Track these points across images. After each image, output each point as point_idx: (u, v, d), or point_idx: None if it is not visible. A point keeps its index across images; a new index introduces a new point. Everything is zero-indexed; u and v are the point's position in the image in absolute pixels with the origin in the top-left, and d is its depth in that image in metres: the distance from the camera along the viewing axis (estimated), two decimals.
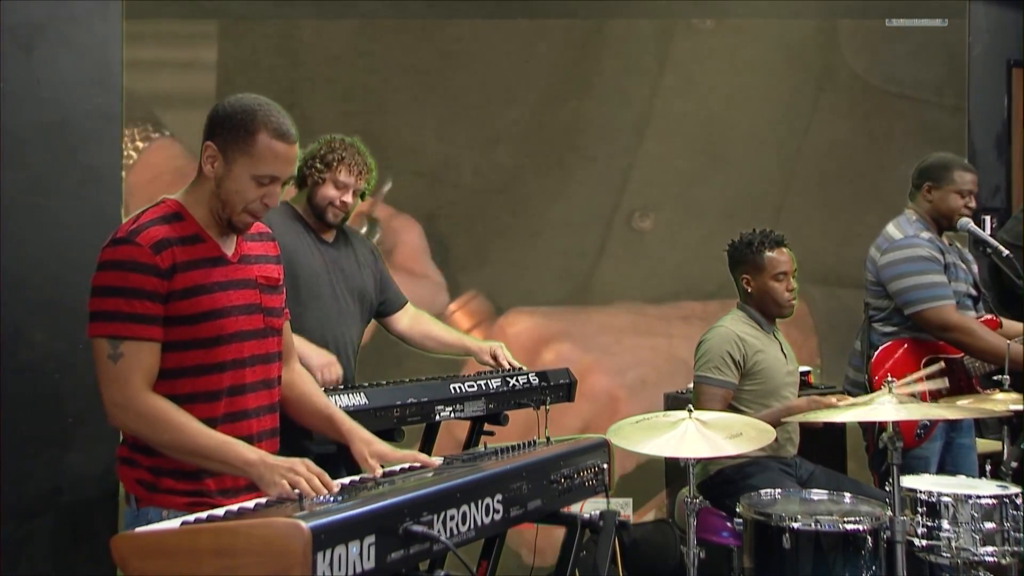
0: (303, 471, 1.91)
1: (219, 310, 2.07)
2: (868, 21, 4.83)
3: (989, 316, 3.66)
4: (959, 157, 3.74)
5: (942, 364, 3.51)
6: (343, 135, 3.15)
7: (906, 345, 3.56)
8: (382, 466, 2.16)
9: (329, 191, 3.04)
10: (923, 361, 3.53)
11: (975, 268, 3.74)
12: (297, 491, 1.86)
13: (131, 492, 2.09)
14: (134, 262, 1.99)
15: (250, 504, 1.80)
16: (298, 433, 2.40)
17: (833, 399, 3.26)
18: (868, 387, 3.47)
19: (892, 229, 3.64)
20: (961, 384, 3.52)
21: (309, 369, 2.72)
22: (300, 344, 2.80)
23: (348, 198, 3.06)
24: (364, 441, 2.22)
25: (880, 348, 3.56)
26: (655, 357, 4.62)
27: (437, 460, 2.21)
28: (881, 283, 3.60)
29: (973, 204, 3.65)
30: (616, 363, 4.61)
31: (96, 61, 3.41)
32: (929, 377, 3.43)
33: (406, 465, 2.18)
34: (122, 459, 2.10)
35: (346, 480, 2.06)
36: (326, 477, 1.92)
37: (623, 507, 4.40)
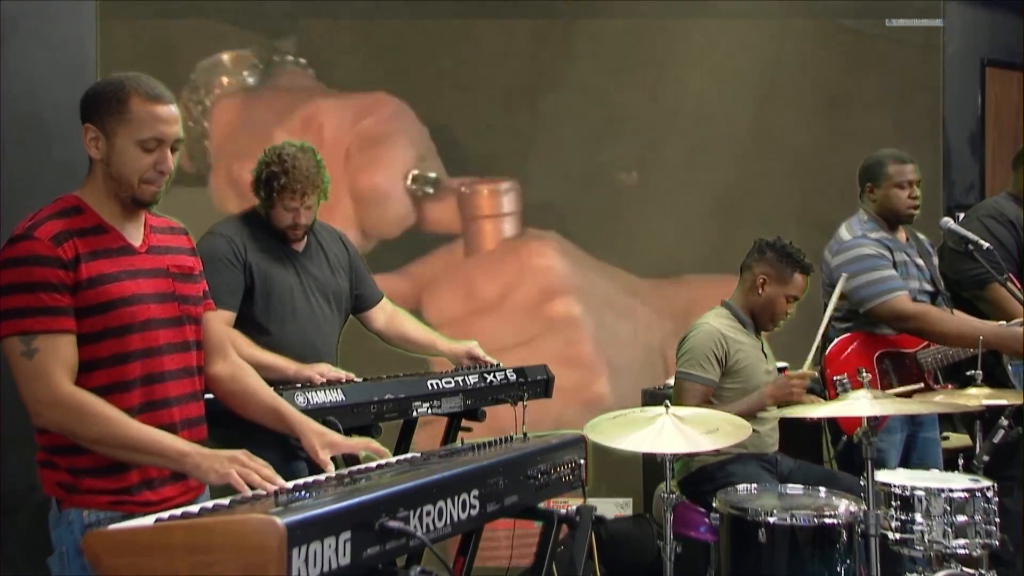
0: (248, 463, 1.91)
1: (128, 298, 2.04)
2: (844, 20, 4.85)
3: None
4: (893, 151, 3.67)
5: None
6: (289, 142, 3.04)
7: (858, 340, 3.58)
8: (359, 460, 2.15)
9: (281, 216, 2.98)
10: (876, 355, 3.55)
11: (935, 261, 3.73)
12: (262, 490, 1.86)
13: (51, 495, 2.05)
14: (35, 256, 1.96)
15: (225, 501, 1.79)
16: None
17: (799, 372, 3.29)
18: (822, 380, 3.51)
19: (843, 231, 3.66)
20: (912, 379, 3.53)
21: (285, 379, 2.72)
22: (271, 359, 2.80)
23: (302, 219, 2.98)
24: (316, 433, 2.20)
25: (834, 343, 3.58)
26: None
27: (388, 452, 2.20)
28: (834, 284, 3.60)
29: (917, 193, 3.61)
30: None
31: (70, 56, 3.38)
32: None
33: (383, 461, 2.17)
34: (41, 463, 2.06)
35: (301, 480, 2.02)
36: (267, 470, 1.92)
37: (622, 507, 4.41)
